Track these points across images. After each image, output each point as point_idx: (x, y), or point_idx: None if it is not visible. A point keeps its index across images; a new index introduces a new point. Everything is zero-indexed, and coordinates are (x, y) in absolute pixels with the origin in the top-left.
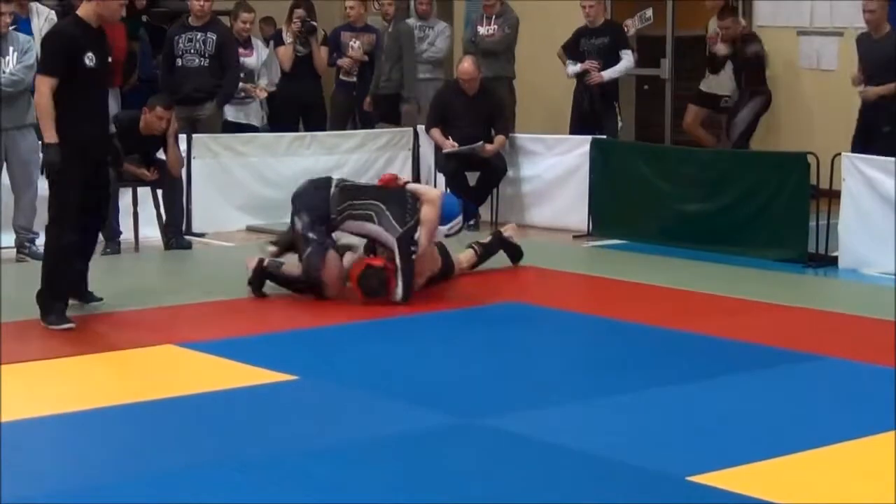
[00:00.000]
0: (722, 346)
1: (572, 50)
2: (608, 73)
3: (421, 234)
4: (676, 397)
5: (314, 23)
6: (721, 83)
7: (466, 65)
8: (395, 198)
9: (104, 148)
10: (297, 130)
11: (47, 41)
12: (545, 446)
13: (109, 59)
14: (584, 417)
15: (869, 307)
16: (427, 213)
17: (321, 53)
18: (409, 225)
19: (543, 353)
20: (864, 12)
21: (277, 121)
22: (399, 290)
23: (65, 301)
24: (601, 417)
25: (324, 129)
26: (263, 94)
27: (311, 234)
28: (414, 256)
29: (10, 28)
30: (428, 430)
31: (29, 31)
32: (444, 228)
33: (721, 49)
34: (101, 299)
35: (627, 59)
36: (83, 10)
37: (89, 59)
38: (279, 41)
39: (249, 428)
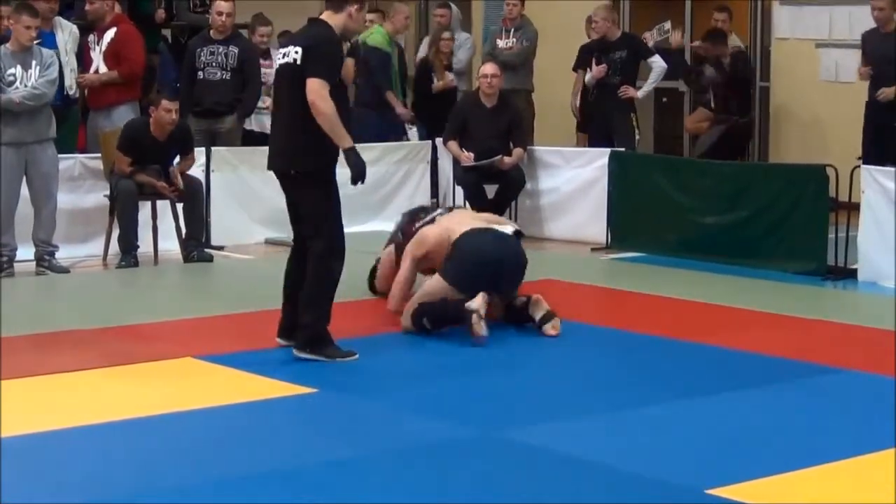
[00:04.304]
0: (741, 359)
1: (582, 65)
2: (644, 90)
3: None
4: (695, 410)
5: None
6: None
7: (488, 66)
8: None
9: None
10: None
11: (327, 45)
12: (564, 459)
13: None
14: (604, 430)
15: (889, 320)
16: None
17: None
18: None
19: (562, 366)
20: (872, 10)
21: None
22: None
23: None
24: (620, 430)
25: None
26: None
27: None
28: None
29: (34, 42)
30: (448, 443)
31: (53, 45)
32: None
33: (709, 71)
34: None
35: (658, 64)
36: (332, 21)
37: (343, 71)
38: None
39: (269, 441)
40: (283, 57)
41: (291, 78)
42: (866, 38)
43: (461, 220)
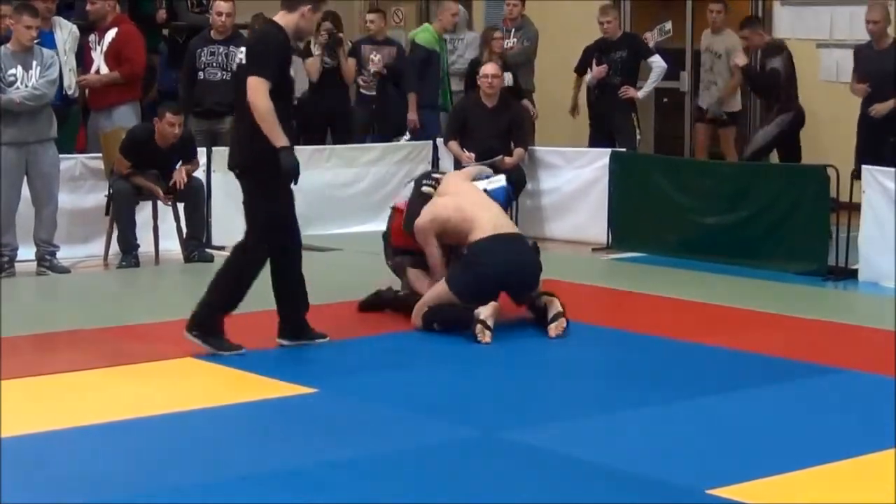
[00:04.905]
0: (742, 359)
1: (584, 69)
2: (644, 90)
3: None
4: (696, 410)
5: (341, 34)
6: (712, 97)
7: (489, 66)
8: None
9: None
10: (324, 141)
11: (264, 44)
12: (565, 459)
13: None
14: (604, 430)
15: (889, 320)
16: None
17: (349, 65)
18: None
19: (562, 366)
20: (867, 23)
21: (305, 131)
22: None
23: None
24: (621, 430)
25: (351, 139)
26: None
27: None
28: None
29: (35, 42)
30: (449, 443)
31: (52, 45)
32: None
33: (740, 59)
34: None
35: (658, 65)
36: (284, 21)
37: (290, 71)
38: (307, 53)
39: (270, 441)
40: (237, 59)
41: (240, 78)
42: (859, 53)
43: (480, 206)
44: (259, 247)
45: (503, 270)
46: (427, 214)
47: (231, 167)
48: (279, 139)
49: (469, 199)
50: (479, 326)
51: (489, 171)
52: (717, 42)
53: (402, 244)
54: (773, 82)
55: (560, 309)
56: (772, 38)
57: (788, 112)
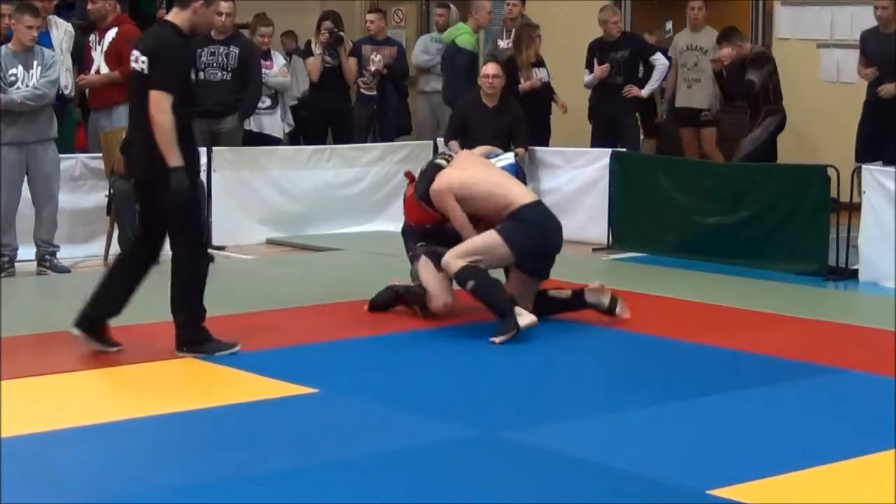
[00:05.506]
0: (742, 360)
1: (591, 64)
2: (648, 88)
3: None
4: (696, 410)
5: (342, 33)
6: (696, 95)
7: (490, 66)
8: None
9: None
10: (325, 140)
11: (163, 55)
12: (564, 459)
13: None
14: (604, 431)
15: (889, 320)
16: None
17: (350, 64)
18: None
19: (563, 367)
20: (875, 9)
21: (306, 131)
22: None
23: None
24: (621, 431)
25: (352, 139)
26: None
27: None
28: None
29: (35, 42)
30: (449, 443)
31: (48, 44)
32: None
33: (726, 54)
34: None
35: (660, 62)
36: (178, 19)
37: (192, 74)
38: (308, 53)
39: (270, 441)
40: (134, 62)
41: (142, 86)
42: (866, 37)
43: (508, 179)
44: (198, 247)
45: (555, 239)
46: (443, 180)
47: (133, 177)
48: (174, 159)
49: (494, 171)
50: (512, 332)
51: (499, 150)
52: (700, 38)
53: (414, 219)
54: (745, 91)
55: (611, 292)
56: (756, 47)
57: (776, 115)
